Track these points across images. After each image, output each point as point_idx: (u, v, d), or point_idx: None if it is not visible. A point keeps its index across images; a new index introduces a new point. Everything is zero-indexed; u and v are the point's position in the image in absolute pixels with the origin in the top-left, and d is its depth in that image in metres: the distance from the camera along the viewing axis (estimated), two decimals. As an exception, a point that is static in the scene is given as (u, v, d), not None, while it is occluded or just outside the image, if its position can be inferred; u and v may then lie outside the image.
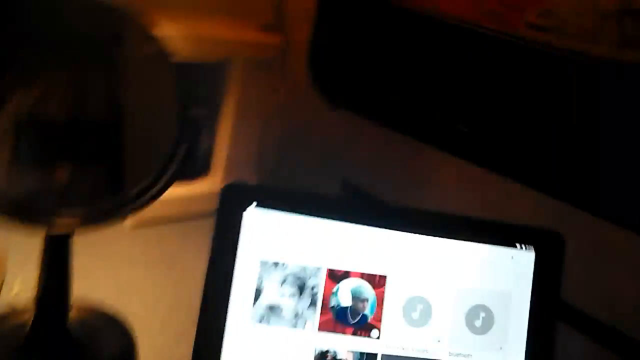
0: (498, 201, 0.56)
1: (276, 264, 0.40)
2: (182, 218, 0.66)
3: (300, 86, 0.71)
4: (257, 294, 0.39)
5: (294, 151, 0.76)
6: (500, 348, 0.41)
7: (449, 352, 0.41)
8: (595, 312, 0.50)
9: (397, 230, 0.41)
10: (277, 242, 0.40)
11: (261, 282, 0.40)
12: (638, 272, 0.48)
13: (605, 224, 0.47)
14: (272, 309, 0.39)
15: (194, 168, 0.71)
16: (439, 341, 0.41)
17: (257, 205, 0.40)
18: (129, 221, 0.66)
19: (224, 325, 0.39)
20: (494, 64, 0.53)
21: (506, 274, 0.42)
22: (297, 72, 0.71)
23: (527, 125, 0.52)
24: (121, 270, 0.58)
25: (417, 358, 0.40)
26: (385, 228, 0.41)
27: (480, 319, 0.41)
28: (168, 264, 0.41)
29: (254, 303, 0.39)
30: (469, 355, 0.41)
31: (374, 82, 0.64)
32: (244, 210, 0.40)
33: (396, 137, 0.63)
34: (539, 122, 0.51)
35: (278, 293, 0.40)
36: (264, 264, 0.40)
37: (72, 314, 0.45)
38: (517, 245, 0.42)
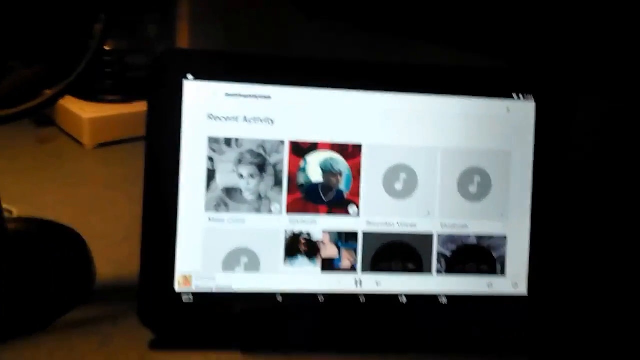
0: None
1: (229, 141, 0.34)
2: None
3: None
4: (210, 177, 0.34)
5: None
6: (501, 215, 0.36)
7: (441, 224, 0.35)
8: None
9: (369, 90, 0.35)
10: (228, 116, 0.34)
11: (213, 164, 0.34)
12: None
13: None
14: (230, 193, 0.34)
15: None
16: (428, 213, 0.35)
17: (196, 77, 0.33)
18: (89, 141, 0.60)
19: (175, 219, 0.33)
20: None
21: (503, 129, 0.36)
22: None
23: None
24: (80, 191, 0.53)
25: (404, 234, 0.35)
26: (355, 89, 0.35)
27: (475, 184, 0.35)
28: (130, 183, 0.36)
29: (207, 188, 0.34)
30: (464, 225, 0.35)
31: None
32: (183, 80, 0.33)
33: (382, 38, 0.55)
34: None
35: (235, 174, 0.34)
36: (213, 142, 0.34)
37: (19, 227, 0.40)
38: (514, 95, 0.36)
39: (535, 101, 0.36)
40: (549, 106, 0.36)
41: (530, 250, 0.36)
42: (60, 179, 0.55)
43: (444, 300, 0.35)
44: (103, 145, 0.61)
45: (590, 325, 0.37)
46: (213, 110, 0.33)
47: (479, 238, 0.35)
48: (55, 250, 0.39)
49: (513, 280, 0.36)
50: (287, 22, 0.63)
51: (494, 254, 0.35)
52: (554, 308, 0.36)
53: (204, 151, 0.33)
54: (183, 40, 0.63)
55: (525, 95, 0.36)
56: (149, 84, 0.33)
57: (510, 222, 0.36)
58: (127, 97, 0.63)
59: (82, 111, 0.61)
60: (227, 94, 0.33)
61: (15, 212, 0.46)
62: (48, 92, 0.35)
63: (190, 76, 0.33)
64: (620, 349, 0.36)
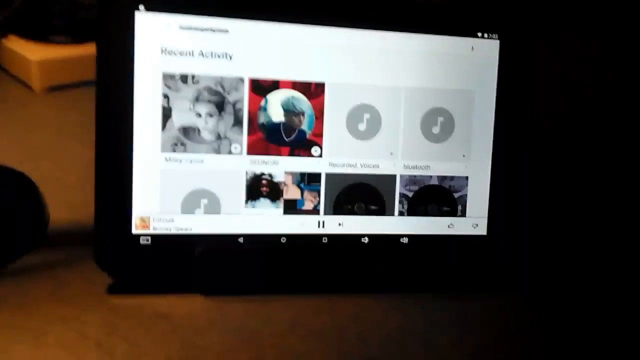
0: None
1: (184, 78, 0.32)
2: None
3: None
4: (166, 116, 0.32)
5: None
6: (463, 156, 0.36)
7: (404, 165, 0.35)
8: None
9: (332, 25, 0.33)
10: (183, 50, 0.32)
11: (168, 102, 0.32)
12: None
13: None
14: (187, 132, 0.32)
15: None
16: (391, 153, 0.35)
17: (148, 8, 0.31)
18: (39, 84, 0.57)
19: (131, 160, 0.32)
20: None
21: (466, 69, 0.35)
22: None
23: None
24: (31, 136, 0.51)
25: (367, 175, 0.35)
26: (317, 24, 0.33)
27: (438, 125, 0.35)
28: (84, 128, 0.34)
29: (163, 127, 0.32)
30: (427, 166, 0.35)
31: None
32: (134, 12, 0.31)
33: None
34: None
35: (192, 113, 0.32)
36: (168, 78, 0.32)
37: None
38: (478, 33, 0.35)
39: (499, 40, 0.35)
40: (513, 46, 0.35)
41: (490, 191, 0.36)
42: (9, 124, 0.52)
43: (405, 241, 0.35)
44: (54, 89, 0.58)
45: (548, 266, 0.38)
46: (167, 45, 0.31)
47: (441, 179, 0.35)
48: (4, 193, 0.38)
49: (473, 221, 0.36)
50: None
51: (455, 195, 0.36)
52: (512, 248, 0.36)
53: (158, 88, 0.32)
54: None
55: (489, 34, 0.35)
56: (97, 16, 0.31)
57: (472, 163, 0.36)
58: (78, 38, 0.59)
59: (30, 53, 0.58)
60: (181, 27, 0.32)
61: (-40, 157, 0.43)
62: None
63: (141, 7, 0.31)
64: (575, 288, 0.37)
